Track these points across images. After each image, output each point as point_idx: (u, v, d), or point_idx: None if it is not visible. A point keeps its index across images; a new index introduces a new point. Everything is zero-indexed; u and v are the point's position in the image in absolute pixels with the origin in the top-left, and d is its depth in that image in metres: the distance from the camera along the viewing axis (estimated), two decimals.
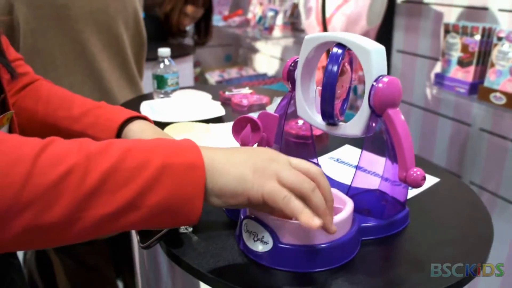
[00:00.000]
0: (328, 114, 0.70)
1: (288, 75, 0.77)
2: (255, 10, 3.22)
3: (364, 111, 0.67)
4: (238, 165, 0.55)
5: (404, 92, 2.25)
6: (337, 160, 0.94)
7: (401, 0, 2.19)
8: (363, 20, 2.12)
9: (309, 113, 0.74)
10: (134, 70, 1.53)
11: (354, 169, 0.89)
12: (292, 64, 0.77)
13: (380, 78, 0.65)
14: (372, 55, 0.66)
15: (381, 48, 0.67)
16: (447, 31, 1.75)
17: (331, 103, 0.69)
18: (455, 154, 2.06)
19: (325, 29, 2.32)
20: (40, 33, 1.30)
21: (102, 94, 1.41)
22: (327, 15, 2.30)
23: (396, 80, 0.66)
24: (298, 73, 0.75)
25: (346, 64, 0.73)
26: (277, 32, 3.02)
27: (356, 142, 1.01)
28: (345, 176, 0.82)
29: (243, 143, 0.72)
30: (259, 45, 3.55)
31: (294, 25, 2.98)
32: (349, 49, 0.68)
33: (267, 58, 3.47)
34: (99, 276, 1.75)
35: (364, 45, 0.66)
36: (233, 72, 3.51)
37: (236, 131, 0.73)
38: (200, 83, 3.38)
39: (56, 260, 1.64)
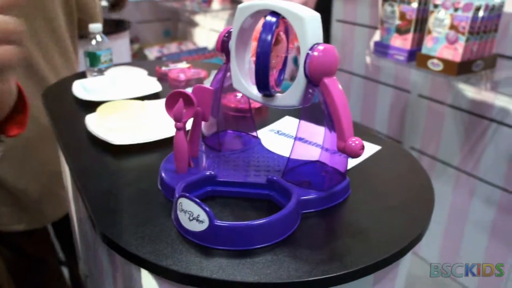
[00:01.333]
0: (263, 85, 0.67)
1: (222, 46, 0.74)
2: None
3: (300, 81, 0.65)
4: None
5: (345, 61, 2.26)
6: (278, 132, 0.92)
7: None
8: None
9: (245, 85, 0.71)
10: (68, 43, 1.44)
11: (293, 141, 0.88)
12: (226, 34, 0.74)
13: (315, 46, 0.63)
14: (306, 23, 0.63)
15: (316, 16, 0.65)
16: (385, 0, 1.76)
17: (266, 73, 0.66)
18: (396, 121, 2.09)
19: None
20: None
21: (30, 74, 1.33)
22: None
23: (332, 47, 0.63)
24: (232, 44, 0.72)
25: (281, 33, 0.70)
26: (216, 5, 2.96)
27: (296, 113, 0.99)
28: (286, 148, 0.80)
29: (176, 119, 0.69)
30: (198, 18, 3.47)
31: None
32: (284, 17, 0.66)
33: (206, 32, 3.41)
34: (42, 265, 1.68)
35: (298, 12, 0.64)
36: (172, 47, 3.42)
37: (169, 106, 0.70)
38: (139, 59, 3.28)
39: None
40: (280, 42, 0.70)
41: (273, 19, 0.66)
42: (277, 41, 0.69)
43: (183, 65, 1.30)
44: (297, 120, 0.97)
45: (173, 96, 0.69)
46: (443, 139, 1.89)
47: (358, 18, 2.16)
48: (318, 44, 0.64)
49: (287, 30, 0.72)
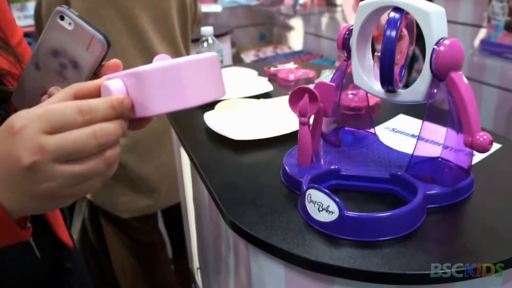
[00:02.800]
0: (388, 81, 0.68)
1: (343, 43, 0.76)
2: None
3: (425, 76, 0.65)
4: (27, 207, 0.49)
5: None
6: (393, 129, 0.92)
7: None
8: None
9: (367, 81, 0.72)
10: (181, 45, 1.54)
11: (411, 138, 0.88)
12: (347, 32, 0.76)
13: (441, 41, 0.64)
14: (432, 18, 0.64)
15: (441, 10, 0.65)
16: None
17: (391, 69, 0.67)
18: (502, 123, 2.00)
19: None
20: (94, 11, 1.35)
21: None
22: None
23: (458, 42, 0.63)
24: (353, 41, 0.73)
25: (404, 29, 0.71)
26: (311, 8, 2.98)
27: (410, 111, 0.99)
28: (403, 145, 0.80)
29: (302, 114, 0.71)
30: (293, 22, 3.50)
31: (328, 0, 2.93)
32: (406, 13, 0.67)
33: (302, 35, 3.43)
34: (154, 255, 1.79)
35: (423, 7, 0.64)
36: (268, 51, 3.48)
37: (293, 102, 0.73)
38: (236, 63, 3.36)
39: (112, 237, 1.68)
40: (403, 38, 0.71)
41: (397, 15, 0.67)
42: (400, 37, 0.70)
43: (291, 65, 1.33)
44: (411, 118, 0.97)
45: (297, 92, 0.72)
46: None
47: (460, 16, 2.09)
48: (443, 38, 0.64)
49: (408, 26, 0.72)
